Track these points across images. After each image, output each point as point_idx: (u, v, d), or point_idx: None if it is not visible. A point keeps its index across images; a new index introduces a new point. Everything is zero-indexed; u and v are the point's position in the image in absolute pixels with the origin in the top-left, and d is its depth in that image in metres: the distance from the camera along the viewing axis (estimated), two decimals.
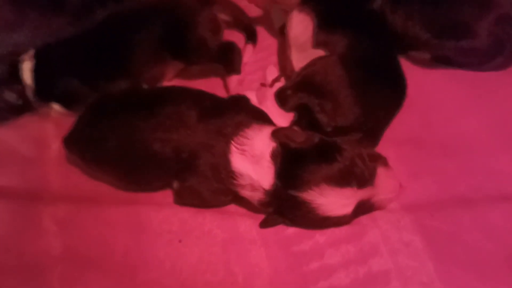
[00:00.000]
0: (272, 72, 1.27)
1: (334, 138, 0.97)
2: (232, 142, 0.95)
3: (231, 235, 1.00)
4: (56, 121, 1.24)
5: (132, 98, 1.08)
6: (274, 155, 0.92)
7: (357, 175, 0.89)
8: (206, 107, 1.01)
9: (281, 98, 1.10)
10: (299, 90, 1.07)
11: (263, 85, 1.23)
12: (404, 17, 1.10)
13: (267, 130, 0.96)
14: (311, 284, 0.92)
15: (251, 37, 1.34)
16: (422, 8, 1.10)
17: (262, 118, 1.03)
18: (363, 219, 0.95)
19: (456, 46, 1.09)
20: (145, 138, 0.99)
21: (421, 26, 1.09)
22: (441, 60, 1.15)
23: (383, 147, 1.05)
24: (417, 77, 1.15)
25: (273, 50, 1.33)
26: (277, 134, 0.94)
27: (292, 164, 0.91)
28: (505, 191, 0.96)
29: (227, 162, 0.94)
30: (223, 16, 1.31)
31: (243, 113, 1.01)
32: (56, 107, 1.24)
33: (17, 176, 1.17)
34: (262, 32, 1.36)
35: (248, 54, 1.32)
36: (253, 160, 0.93)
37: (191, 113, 0.98)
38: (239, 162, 0.94)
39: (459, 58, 1.12)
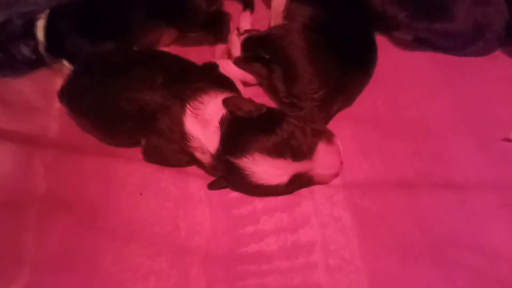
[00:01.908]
0: (247, 19, 1.29)
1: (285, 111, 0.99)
2: (188, 105, 1.00)
3: (183, 193, 1.06)
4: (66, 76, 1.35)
5: (114, 58, 1.16)
6: (222, 121, 0.97)
7: (294, 148, 0.91)
8: (173, 71, 1.07)
9: (245, 45, 1.12)
10: (260, 45, 1.09)
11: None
12: None
13: (222, 97, 1.00)
14: (243, 246, 0.96)
15: (249, 4, 1.37)
16: None
17: (225, 85, 1.07)
18: (303, 191, 0.98)
19: (430, 27, 1.05)
20: (116, 96, 1.07)
21: (397, 6, 1.06)
22: (422, 42, 1.10)
23: (341, 123, 1.06)
24: (395, 58, 1.13)
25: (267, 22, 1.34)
26: (227, 102, 0.98)
27: (235, 131, 0.95)
28: (449, 180, 0.93)
29: (181, 124, 1.00)
30: None
31: (206, 79, 1.05)
32: (65, 63, 1.35)
33: (23, 122, 1.30)
34: (258, 4, 1.37)
35: (246, 21, 1.33)
36: (203, 124, 0.98)
37: (158, 75, 1.04)
38: (191, 125, 0.99)
39: (438, 41, 1.08)
